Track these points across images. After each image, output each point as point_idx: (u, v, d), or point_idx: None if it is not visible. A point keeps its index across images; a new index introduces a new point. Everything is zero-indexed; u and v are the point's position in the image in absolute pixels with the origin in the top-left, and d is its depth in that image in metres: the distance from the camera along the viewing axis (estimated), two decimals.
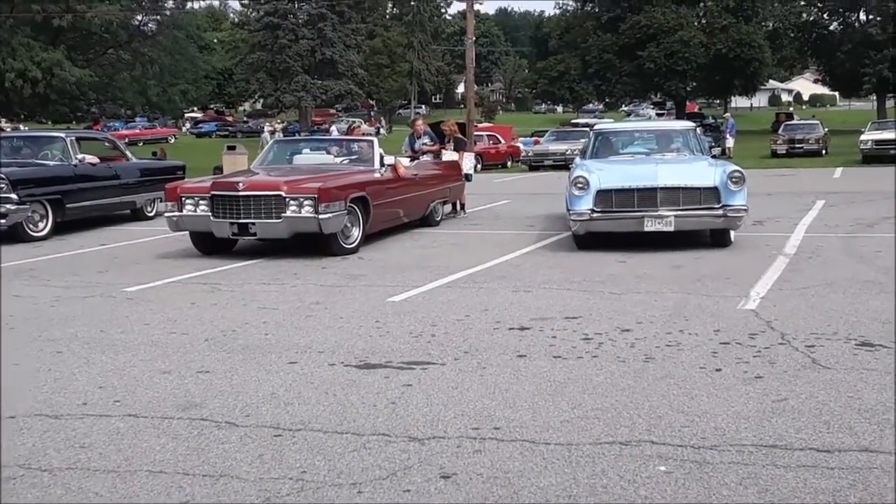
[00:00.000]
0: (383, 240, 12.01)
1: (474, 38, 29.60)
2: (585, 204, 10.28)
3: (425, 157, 14.29)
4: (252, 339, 6.42)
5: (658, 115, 73.37)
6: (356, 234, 10.93)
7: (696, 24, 55.80)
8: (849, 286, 7.86)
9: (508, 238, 12.08)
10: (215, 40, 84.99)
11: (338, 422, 4.49)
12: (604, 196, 10.25)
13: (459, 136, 15.58)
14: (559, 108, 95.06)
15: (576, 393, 4.89)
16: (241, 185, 10.35)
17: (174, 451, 4.14)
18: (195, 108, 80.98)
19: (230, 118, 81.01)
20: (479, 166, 30.20)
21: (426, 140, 14.88)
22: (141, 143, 52.86)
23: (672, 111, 64.94)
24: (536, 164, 31.12)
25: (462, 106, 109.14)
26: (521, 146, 35.21)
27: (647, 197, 10.13)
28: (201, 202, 10.47)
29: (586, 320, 6.78)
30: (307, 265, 9.98)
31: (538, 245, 11.27)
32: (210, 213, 10.39)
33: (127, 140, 51.06)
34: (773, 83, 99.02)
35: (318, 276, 9.29)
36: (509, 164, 34.33)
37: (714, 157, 12.03)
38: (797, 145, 33.59)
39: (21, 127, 45.22)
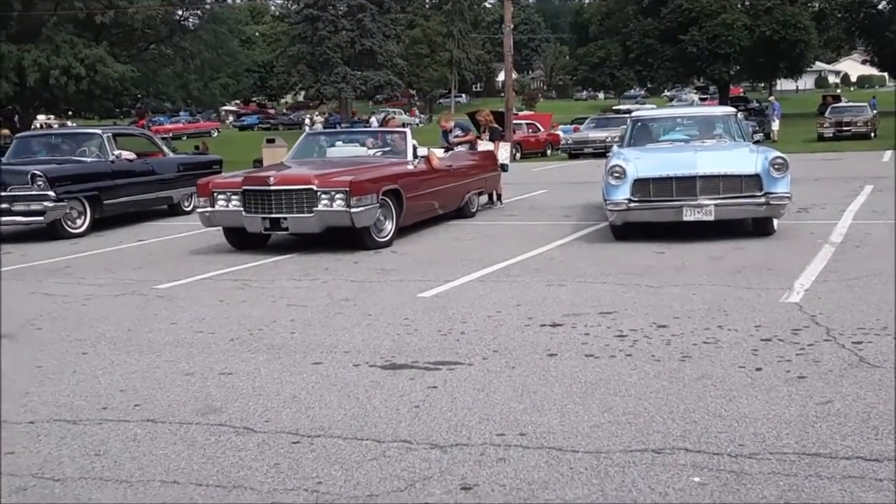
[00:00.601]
0: (418, 232, 11.86)
1: (512, 27, 29.28)
2: (622, 193, 10.03)
3: (460, 149, 14.10)
4: (278, 338, 6.30)
5: (701, 99, 72.22)
6: (389, 227, 10.79)
7: (739, 6, 54.72)
8: None
9: (544, 229, 11.86)
10: (256, 33, 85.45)
11: (358, 427, 4.34)
12: (641, 185, 9.99)
13: (495, 125, 15.38)
14: (600, 95, 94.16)
15: (607, 395, 4.68)
16: (272, 179, 10.25)
17: (189, 459, 4.01)
18: (238, 102, 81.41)
19: (272, 111, 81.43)
20: (518, 155, 29.96)
21: (458, 132, 14.73)
22: (185, 137, 53.38)
23: (715, 96, 63.87)
24: (576, 152, 30.75)
25: (502, 94, 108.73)
26: (561, 134, 34.83)
27: (686, 185, 9.84)
28: (233, 197, 10.39)
29: (621, 316, 6.55)
30: (339, 260, 9.86)
31: (574, 236, 11.03)
32: (242, 208, 10.32)
33: (171, 134, 51.71)
34: (819, 65, 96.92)
35: (350, 271, 9.16)
36: (549, 152, 33.99)
37: (756, 142, 11.68)
38: (844, 128, 32.83)
39: (68, 123, 45.87)
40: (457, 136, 14.72)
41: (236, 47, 43.77)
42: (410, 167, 11.68)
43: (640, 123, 11.95)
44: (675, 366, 5.18)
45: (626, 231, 10.31)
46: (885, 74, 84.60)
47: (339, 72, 56.12)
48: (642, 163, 10.23)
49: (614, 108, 63.27)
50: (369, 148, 12.45)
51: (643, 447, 3.93)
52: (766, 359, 5.23)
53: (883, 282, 7.35)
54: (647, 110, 12.99)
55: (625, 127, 12.60)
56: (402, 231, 11.32)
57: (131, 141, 15.84)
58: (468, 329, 6.33)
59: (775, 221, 10.27)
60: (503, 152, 14.82)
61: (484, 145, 14.68)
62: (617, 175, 10.07)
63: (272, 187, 10.15)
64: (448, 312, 6.92)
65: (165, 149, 15.88)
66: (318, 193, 10.06)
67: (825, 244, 9.43)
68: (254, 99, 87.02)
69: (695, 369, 5.08)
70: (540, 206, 14.94)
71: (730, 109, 12.70)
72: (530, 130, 33.64)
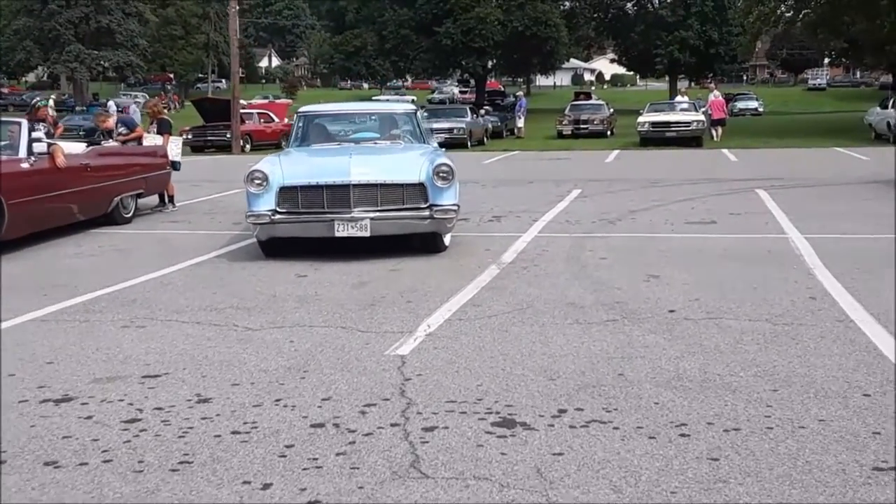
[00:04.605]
0: (40, 244, 9.80)
1: (238, 8, 27.14)
2: (266, 204, 8.46)
3: (110, 143, 12.05)
4: None
5: (461, 92, 73.13)
6: None
7: (493, 1, 55.05)
8: (546, 311, 6.38)
9: (200, 240, 10.10)
10: None
11: None
12: (288, 194, 8.44)
13: (164, 117, 13.40)
14: (365, 85, 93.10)
15: None
16: None
17: None
18: None
19: (5, 90, 74.10)
20: (247, 147, 27.93)
21: (122, 130, 12.68)
22: None
23: (475, 89, 64.39)
24: None
25: (264, 80, 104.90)
26: None
27: (339, 196, 8.37)
28: None
29: (168, 381, 4.89)
30: None
31: (222, 251, 9.33)
32: None
33: None
34: (575, 62, 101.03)
35: None
36: (284, 144, 32.03)
37: (438, 145, 10.45)
38: (582, 126, 33.10)
39: None
40: (121, 134, 12.62)
41: None
42: (25, 166, 9.53)
43: (307, 120, 10.31)
44: (153, 484, 3.56)
45: (277, 246, 8.74)
46: (636, 74, 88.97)
47: (72, 50, 51.23)
48: (291, 168, 8.69)
49: (374, 98, 62.34)
50: None
51: None
52: (288, 468, 3.70)
53: (526, 319, 6.16)
54: (317, 106, 11.44)
55: (293, 124, 11.01)
56: (18, 242, 9.29)
57: None
58: None
59: (447, 236, 9.04)
60: (174, 147, 12.86)
61: (151, 139, 12.68)
62: (258, 182, 8.47)
63: None
64: None
65: None
66: None
67: (493, 265, 8.26)
68: None
69: (172, 494, 3.48)
70: (220, 209, 13.10)
71: (410, 107, 11.39)
72: (262, 121, 31.44)
